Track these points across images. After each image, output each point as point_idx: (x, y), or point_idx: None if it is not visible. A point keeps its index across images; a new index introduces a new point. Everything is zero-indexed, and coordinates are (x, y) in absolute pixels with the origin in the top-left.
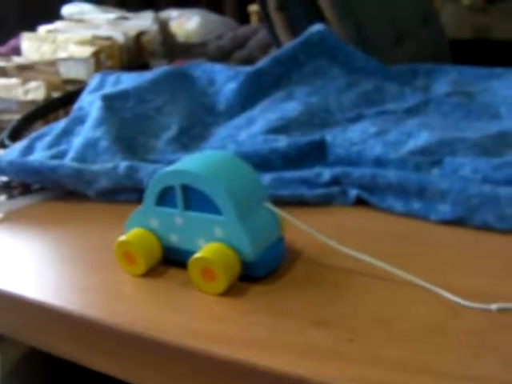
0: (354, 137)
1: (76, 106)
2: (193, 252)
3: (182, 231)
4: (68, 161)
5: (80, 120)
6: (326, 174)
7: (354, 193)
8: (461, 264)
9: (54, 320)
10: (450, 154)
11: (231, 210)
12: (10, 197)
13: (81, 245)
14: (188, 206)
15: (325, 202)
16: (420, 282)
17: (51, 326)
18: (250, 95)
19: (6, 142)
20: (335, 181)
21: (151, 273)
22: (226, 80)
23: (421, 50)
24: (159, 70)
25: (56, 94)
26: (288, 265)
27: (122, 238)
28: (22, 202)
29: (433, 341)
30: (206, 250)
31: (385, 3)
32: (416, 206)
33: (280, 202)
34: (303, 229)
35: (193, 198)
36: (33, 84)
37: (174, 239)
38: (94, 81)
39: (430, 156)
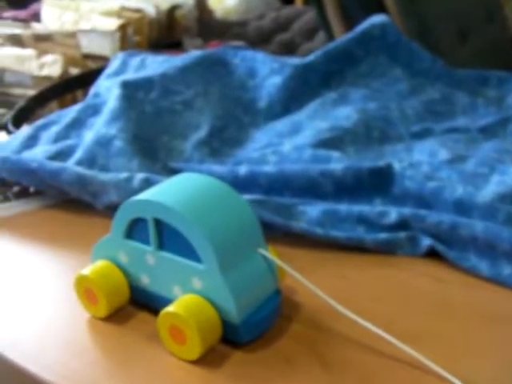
0: (421, 161)
1: (91, 91)
2: (167, 299)
3: (154, 273)
4: (73, 163)
5: (94, 109)
6: (393, 214)
7: (426, 242)
8: None
9: None
10: None
11: (212, 258)
12: (4, 198)
13: (64, 269)
14: (162, 245)
15: (388, 250)
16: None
17: None
18: (296, 93)
19: (10, 127)
20: (403, 224)
21: (116, 316)
22: (269, 73)
23: (484, 48)
24: (191, 54)
25: (74, 71)
26: (283, 325)
27: (84, 271)
28: (15, 207)
29: None
30: (178, 304)
31: None
32: (506, 271)
33: (330, 242)
34: (309, 288)
35: (168, 235)
36: (49, 57)
37: (144, 280)
38: (116, 62)
39: None
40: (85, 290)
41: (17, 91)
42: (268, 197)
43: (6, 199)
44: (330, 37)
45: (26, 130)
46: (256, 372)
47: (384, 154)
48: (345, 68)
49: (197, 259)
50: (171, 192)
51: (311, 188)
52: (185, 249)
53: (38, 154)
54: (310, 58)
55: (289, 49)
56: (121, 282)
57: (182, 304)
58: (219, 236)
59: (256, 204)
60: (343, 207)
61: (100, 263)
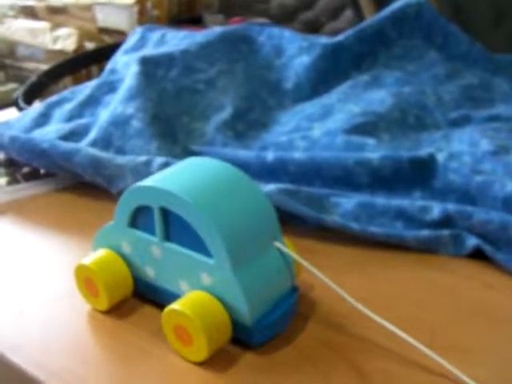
0: (462, 151)
1: (108, 67)
2: (173, 294)
3: (159, 265)
4: (87, 143)
5: (110, 86)
6: (436, 209)
7: (472, 242)
8: None
9: None
10: None
11: (223, 252)
12: (13, 180)
13: (69, 260)
14: (169, 236)
15: (430, 248)
16: None
17: None
18: (325, 75)
19: (21, 102)
20: (446, 221)
21: (118, 309)
22: (297, 52)
23: None
24: (214, 31)
25: (90, 46)
26: (299, 326)
27: (84, 261)
28: (24, 190)
29: None
30: (184, 302)
31: None
32: None
33: (364, 239)
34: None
35: (175, 226)
36: (64, 31)
37: (149, 273)
38: (134, 37)
39: None
40: (85, 280)
41: (29, 65)
42: (298, 186)
43: (15, 181)
44: (359, 16)
45: (37, 106)
46: (271, 378)
47: (421, 143)
48: (377, 49)
49: (206, 253)
50: (179, 178)
51: (345, 178)
52: (193, 241)
53: (50, 133)
54: (341, 37)
55: (313, 28)
56: (123, 274)
57: (189, 302)
58: (231, 228)
59: (285, 194)
60: (380, 200)
61: (101, 252)
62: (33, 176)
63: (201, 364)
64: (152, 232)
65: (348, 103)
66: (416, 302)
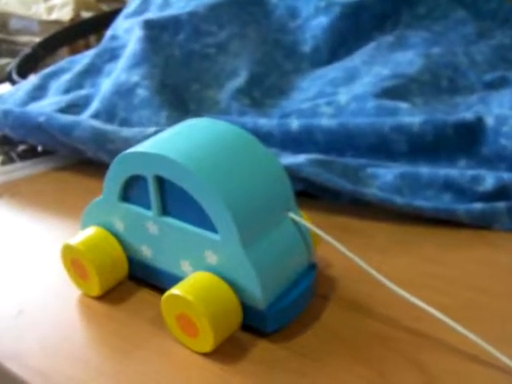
0: (505, 115)
1: (108, 33)
2: (174, 276)
3: (157, 244)
4: (89, 116)
5: (112, 54)
6: (489, 179)
7: None
8: None
9: None
10: None
11: (231, 226)
12: (7, 159)
13: None
14: (166, 210)
15: (484, 223)
16: None
17: None
18: (346, 36)
19: (14, 76)
20: (501, 192)
21: (112, 295)
22: (313, 12)
23: None
24: None
25: (87, 15)
26: (318, 309)
27: (71, 241)
28: (19, 170)
29: None
30: (186, 285)
31: None
32: None
33: (407, 213)
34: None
35: (173, 197)
36: (59, 0)
37: (145, 252)
38: (136, 0)
39: None
40: (72, 262)
41: (23, 39)
42: (329, 156)
43: (10, 160)
44: None
45: (32, 79)
46: (290, 372)
47: (457, 107)
48: (400, 8)
49: (211, 228)
50: (176, 142)
51: (381, 146)
52: (195, 214)
53: (47, 106)
54: None
55: None
56: (116, 254)
57: (191, 285)
58: (239, 197)
59: (318, 165)
60: (425, 170)
61: (90, 231)
62: (29, 154)
63: (207, 355)
64: (147, 206)
65: (374, 65)
66: (475, 287)
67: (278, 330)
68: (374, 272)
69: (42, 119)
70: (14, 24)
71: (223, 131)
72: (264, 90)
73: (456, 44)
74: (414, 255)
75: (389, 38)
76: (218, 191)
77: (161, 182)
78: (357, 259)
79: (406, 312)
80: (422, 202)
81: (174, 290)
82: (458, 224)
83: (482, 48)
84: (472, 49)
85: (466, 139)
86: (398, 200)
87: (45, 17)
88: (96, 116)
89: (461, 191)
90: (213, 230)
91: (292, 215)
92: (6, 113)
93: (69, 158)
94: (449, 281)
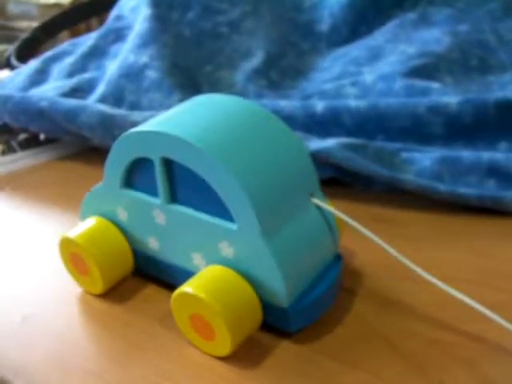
0: None
1: (113, 13)
2: (185, 271)
3: (165, 235)
4: (95, 100)
5: (117, 35)
6: None
7: None
8: None
9: None
10: None
11: (250, 214)
12: (8, 149)
13: None
14: (175, 197)
15: None
16: None
17: None
18: (365, 14)
19: (13, 61)
20: None
21: (116, 292)
22: None
23: None
24: None
25: None
26: (345, 306)
27: (70, 233)
28: (20, 160)
29: None
30: (199, 281)
31: None
32: None
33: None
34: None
35: (183, 182)
36: None
37: (152, 245)
38: None
39: None
40: (71, 257)
41: (21, 24)
42: (360, 140)
43: (10, 150)
44: None
45: (32, 63)
46: (318, 376)
47: (490, 86)
48: None
49: (226, 216)
50: (186, 120)
51: (415, 129)
52: (208, 201)
53: (49, 90)
54: None
55: None
56: (120, 247)
57: (205, 281)
58: (258, 181)
59: (350, 149)
60: (466, 154)
61: (91, 222)
62: (31, 143)
63: (223, 359)
64: (153, 192)
65: (400, 44)
66: None
67: (302, 330)
68: (418, 269)
69: (44, 104)
70: (11, 9)
71: (237, 107)
72: (281, 70)
73: (482, 21)
74: (460, 248)
75: (411, 16)
76: (234, 174)
77: (169, 165)
78: (395, 253)
79: (455, 312)
80: (467, 189)
81: (186, 288)
82: (502, 214)
83: (510, 25)
84: (500, 26)
85: (508, 120)
86: (441, 187)
87: (44, 0)
88: (102, 100)
89: (507, 177)
90: (228, 218)
91: (316, 201)
92: (6, 98)
93: (73, 147)
94: (498, 276)
